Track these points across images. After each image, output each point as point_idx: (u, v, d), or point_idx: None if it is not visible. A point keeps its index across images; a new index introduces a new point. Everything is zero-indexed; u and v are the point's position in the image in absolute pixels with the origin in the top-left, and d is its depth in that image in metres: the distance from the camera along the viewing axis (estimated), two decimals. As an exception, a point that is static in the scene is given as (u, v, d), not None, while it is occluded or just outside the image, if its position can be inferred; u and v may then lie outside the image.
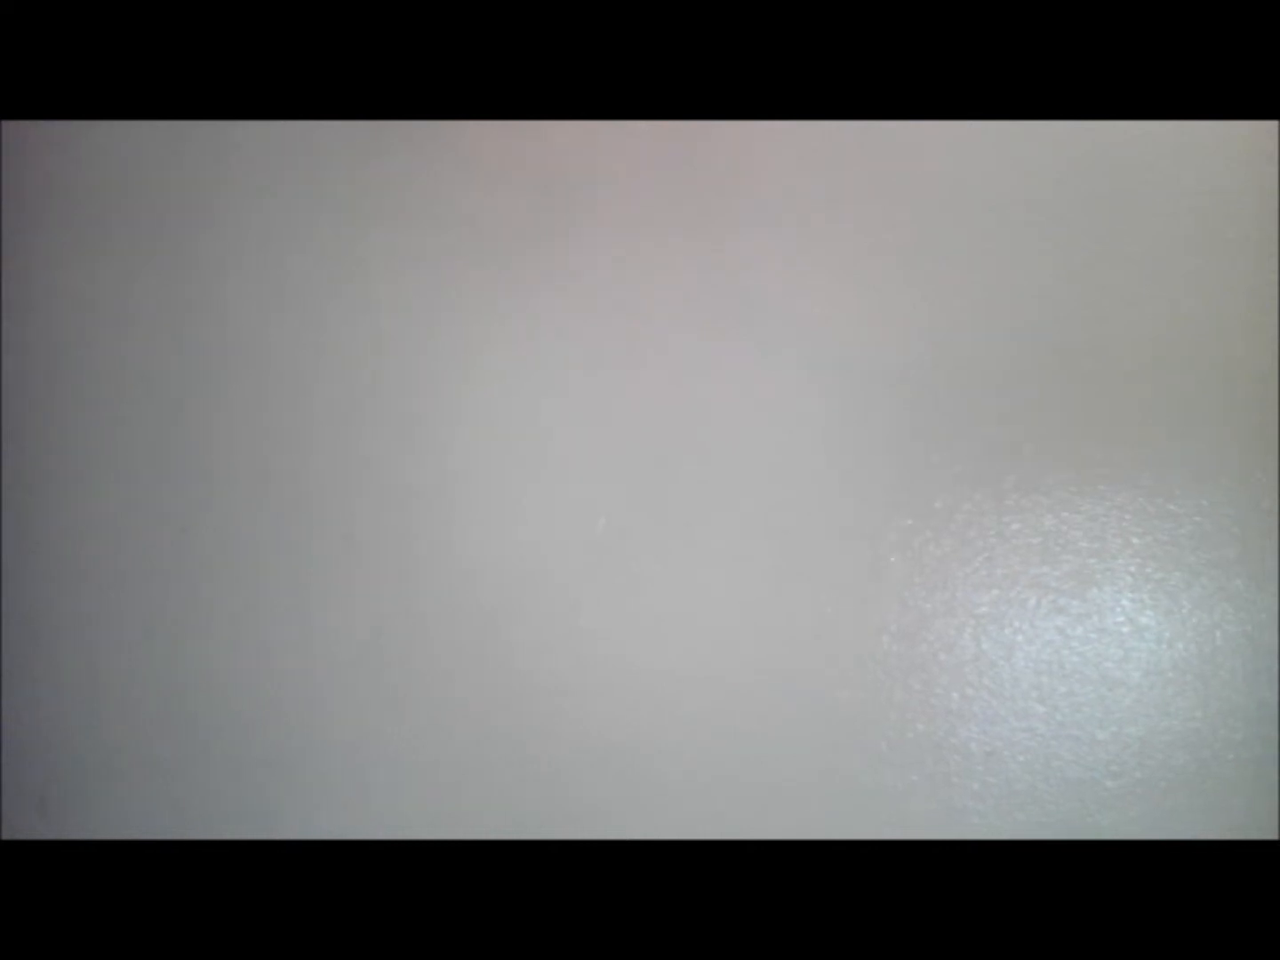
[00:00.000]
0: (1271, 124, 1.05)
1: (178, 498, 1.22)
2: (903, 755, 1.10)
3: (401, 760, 1.18)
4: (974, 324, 1.12)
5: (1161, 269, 1.09)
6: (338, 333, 1.22)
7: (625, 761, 1.14)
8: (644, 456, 1.16)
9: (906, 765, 1.10)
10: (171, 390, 1.22)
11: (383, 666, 1.19)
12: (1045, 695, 1.09)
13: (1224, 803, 1.05)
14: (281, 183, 1.23)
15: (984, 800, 1.09)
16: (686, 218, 1.17)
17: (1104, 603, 1.09)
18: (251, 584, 1.21)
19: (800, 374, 1.14)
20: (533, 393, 1.19)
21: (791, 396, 1.14)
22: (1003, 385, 1.11)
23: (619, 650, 1.15)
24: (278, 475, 1.22)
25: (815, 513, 1.13)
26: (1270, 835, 1.04)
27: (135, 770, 1.20)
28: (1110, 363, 1.10)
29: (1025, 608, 1.10)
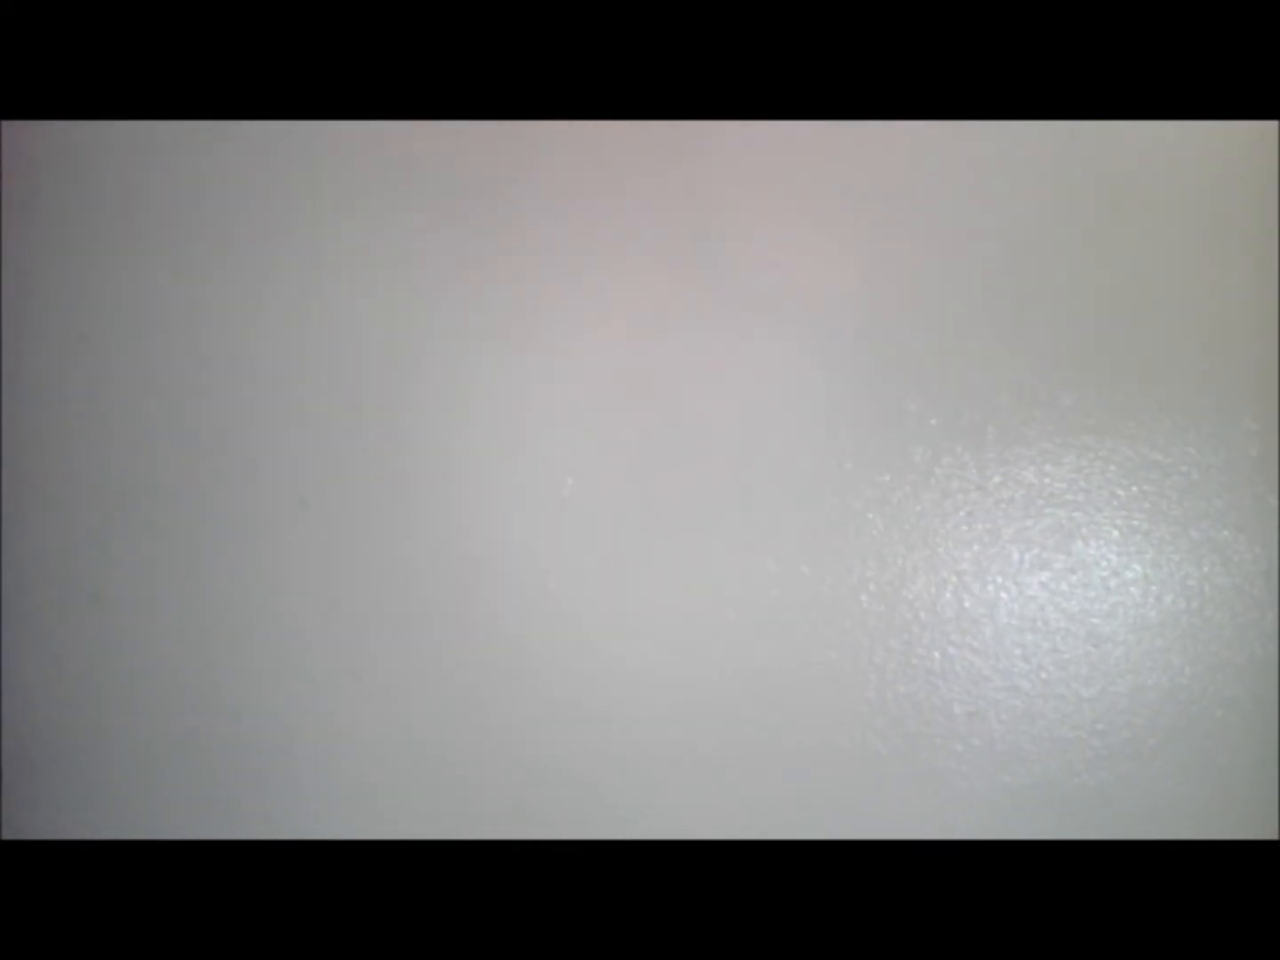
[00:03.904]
0: (1271, 124, 1.03)
1: (173, 490, 1.22)
2: (883, 717, 1.08)
3: (395, 756, 1.17)
4: (948, 269, 1.09)
5: (1162, 271, 1.06)
6: (326, 316, 1.22)
7: (600, 730, 1.13)
8: (610, 414, 1.15)
9: (887, 727, 1.08)
10: (169, 389, 1.21)
11: (374, 659, 1.18)
12: (1030, 653, 1.06)
13: (1213, 760, 1.01)
14: (280, 179, 1.22)
15: (967, 761, 1.07)
16: (652, 165, 1.15)
17: (1089, 557, 1.06)
18: (245, 575, 1.21)
19: (769, 323, 1.12)
20: (499, 356, 1.18)
21: (759, 347, 1.12)
22: (980, 332, 1.08)
23: (589, 616, 1.14)
24: (273, 465, 1.21)
25: (788, 468, 1.11)
26: (1269, 824, 1.00)
27: (128, 769, 1.21)
28: (1090, 308, 1.06)
29: (1008, 563, 1.07)
